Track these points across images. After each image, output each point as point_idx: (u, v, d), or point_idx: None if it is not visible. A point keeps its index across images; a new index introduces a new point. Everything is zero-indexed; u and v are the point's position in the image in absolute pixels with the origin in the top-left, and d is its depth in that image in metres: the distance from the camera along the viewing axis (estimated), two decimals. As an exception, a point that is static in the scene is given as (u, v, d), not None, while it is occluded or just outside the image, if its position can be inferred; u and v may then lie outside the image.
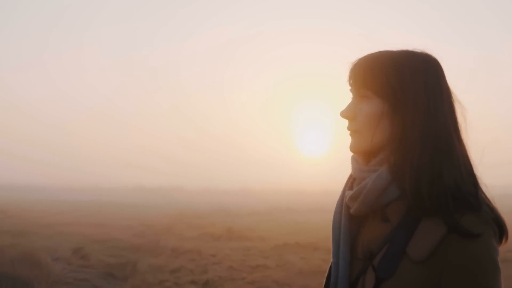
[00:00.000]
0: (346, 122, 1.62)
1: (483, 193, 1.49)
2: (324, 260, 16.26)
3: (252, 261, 16.67)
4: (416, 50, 1.55)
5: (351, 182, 1.63)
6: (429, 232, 1.41)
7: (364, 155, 1.60)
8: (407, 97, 1.49)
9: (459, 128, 1.53)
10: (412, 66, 1.51)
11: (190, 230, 27.05)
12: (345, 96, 1.62)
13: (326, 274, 1.64)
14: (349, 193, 1.57)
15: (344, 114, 1.59)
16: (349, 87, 1.60)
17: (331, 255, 1.61)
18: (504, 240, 1.46)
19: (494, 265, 1.38)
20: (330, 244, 1.63)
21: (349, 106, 1.59)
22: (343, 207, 1.60)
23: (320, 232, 25.77)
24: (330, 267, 1.61)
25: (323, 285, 1.62)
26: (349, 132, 1.60)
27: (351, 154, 1.64)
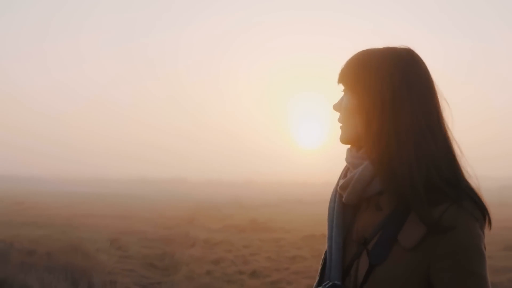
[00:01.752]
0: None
1: (466, 183, 1.54)
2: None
3: (286, 252, 17.07)
4: (398, 47, 1.61)
5: (346, 170, 1.70)
6: (418, 222, 1.48)
7: (354, 146, 1.67)
8: (376, 93, 1.55)
9: (440, 122, 1.57)
10: (387, 62, 1.57)
11: (212, 222, 27.44)
12: (340, 87, 1.69)
13: (322, 257, 1.71)
14: (341, 182, 1.65)
15: (332, 107, 1.69)
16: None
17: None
18: (488, 227, 1.51)
19: (478, 252, 1.45)
20: None
21: (337, 101, 1.68)
22: (337, 194, 1.67)
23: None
24: (325, 252, 1.69)
25: (320, 269, 1.69)
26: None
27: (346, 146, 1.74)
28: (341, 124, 1.66)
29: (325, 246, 1.69)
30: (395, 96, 1.54)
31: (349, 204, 1.64)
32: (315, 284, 1.67)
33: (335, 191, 1.69)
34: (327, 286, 1.57)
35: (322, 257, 1.70)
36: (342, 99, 1.66)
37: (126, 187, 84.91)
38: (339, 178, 1.69)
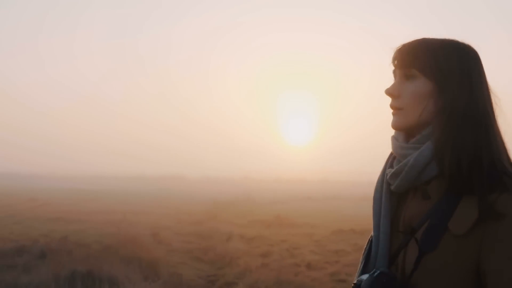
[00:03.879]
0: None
1: None
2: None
3: (326, 246, 17.42)
4: (460, 41, 1.65)
5: (392, 160, 1.72)
6: (469, 208, 1.50)
7: (404, 133, 1.69)
8: (452, 79, 1.58)
9: (495, 113, 1.62)
10: (458, 51, 1.61)
11: (235, 218, 27.81)
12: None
13: (365, 247, 1.72)
14: (390, 171, 1.66)
15: (389, 92, 1.66)
16: (394, 67, 1.69)
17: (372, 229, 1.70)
18: None
19: None
20: None
21: (394, 84, 1.66)
22: (384, 183, 1.69)
23: (360, 219, 26.71)
24: (369, 241, 1.71)
25: (363, 257, 1.70)
26: (391, 110, 1.68)
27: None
28: (394, 109, 1.66)
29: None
30: (472, 84, 1.59)
31: (398, 192, 1.66)
32: (358, 272, 1.69)
33: (381, 181, 1.72)
34: (375, 274, 1.56)
35: (365, 246, 1.72)
36: (398, 84, 1.66)
37: (124, 185, 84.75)
38: (385, 168, 1.72)
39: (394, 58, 1.67)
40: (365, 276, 1.58)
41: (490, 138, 1.56)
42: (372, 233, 1.69)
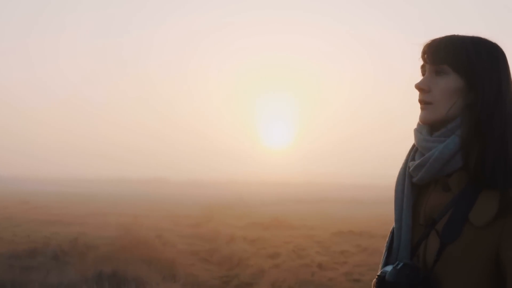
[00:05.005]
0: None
1: None
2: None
3: (330, 248, 17.74)
4: (489, 39, 1.69)
5: (414, 152, 1.75)
6: (490, 201, 1.56)
7: (430, 126, 1.72)
8: (483, 76, 1.62)
9: None
10: (488, 49, 1.65)
11: (232, 220, 28.01)
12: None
13: (387, 239, 1.76)
14: (413, 163, 1.69)
15: (419, 86, 1.69)
16: (423, 62, 1.72)
17: (394, 221, 1.75)
18: None
19: None
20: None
21: (424, 79, 1.69)
22: (406, 176, 1.73)
23: (356, 221, 27.10)
24: (392, 232, 1.74)
25: (386, 249, 1.74)
26: (420, 104, 1.71)
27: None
28: (424, 104, 1.69)
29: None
30: (501, 82, 1.63)
31: (419, 184, 1.70)
32: (382, 263, 1.71)
33: (403, 173, 1.75)
34: (398, 266, 1.59)
35: (388, 238, 1.75)
36: (428, 79, 1.69)
37: (109, 188, 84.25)
38: (407, 160, 1.76)
39: (424, 53, 1.70)
40: (388, 268, 1.61)
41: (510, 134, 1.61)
42: (394, 225, 1.73)
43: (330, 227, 23.63)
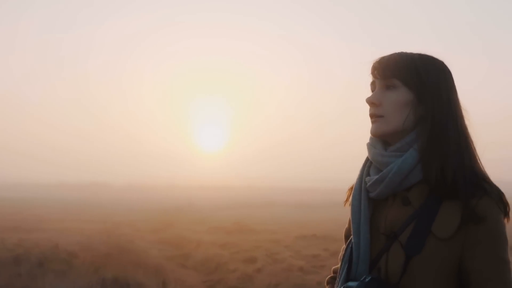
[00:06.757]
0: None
1: (489, 177, 1.69)
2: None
3: (302, 251, 18.07)
4: (435, 56, 1.76)
5: (368, 167, 1.78)
6: (451, 212, 1.60)
7: (383, 140, 1.76)
8: (432, 90, 1.68)
9: (467, 124, 1.73)
10: (436, 65, 1.72)
11: (192, 225, 28.17)
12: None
13: (343, 253, 1.78)
14: (370, 179, 1.71)
15: (370, 101, 1.73)
16: (373, 78, 1.76)
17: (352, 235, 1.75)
18: (508, 217, 1.67)
19: (505, 239, 1.62)
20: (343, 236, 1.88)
21: (375, 93, 1.73)
22: (362, 191, 1.74)
23: (316, 225, 27.67)
24: (348, 246, 1.76)
25: (344, 263, 1.74)
26: (371, 118, 1.75)
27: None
28: (375, 117, 1.73)
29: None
30: (449, 96, 1.70)
31: (378, 199, 1.72)
32: (341, 279, 1.72)
33: (359, 188, 1.76)
34: (366, 280, 1.62)
35: (343, 252, 1.78)
36: (379, 93, 1.73)
37: (48, 192, 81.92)
38: (363, 176, 1.77)
39: (374, 69, 1.75)
40: (352, 283, 1.65)
41: (469, 146, 1.68)
42: (351, 238, 1.74)
43: (291, 231, 24.07)
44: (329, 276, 1.98)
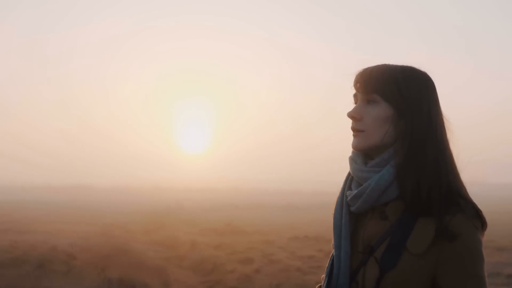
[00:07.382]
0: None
1: (467, 193, 1.69)
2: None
3: (296, 252, 18.38)
4: (417, 68, 1.74)
5: (350, 181, 1.79)
6: (426, 228, 1.61)
7: (363, 154, 1.76)
8: (412, 105, 1.67)
9: (448, 137, 1.72)
10: (417, 79, 1.70)
11: (185, 226, 28.24)
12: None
13: (327, 266, 1.78)
14: (350, 193, 1.72)
15: (351, 115, 1.73)
16: (355, 91, 1.75)
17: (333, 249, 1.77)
18: (483, 232, 1.65)
19: (480, 255, 1.61)
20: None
21: (356, 107, 1.73)
22: (344, 205, 1.75)
23: (307, 227, 27.89)
24: (331, 259, 1.76)
25: (326, 275, 1.76)
26: (353, 132, 1.74)
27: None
28: (361, 131, 1.72)
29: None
30: (430, 110, 1.69)
31: (358, 213, 1.73)
32: None
33: (340, 202, 1.78)
34: None
35: (328, 264, 1.78)
36: (360, 107, 1.73)
37: (33, 195, 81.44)
38: (345, 189, 1.78)
39: (356, 82, 1.73)
40: None
41: (447, 162, 1.67)
42: (333, 252, 1.75)
43: (283, 233, 24.32)
44: (317, 285, 1.96)
